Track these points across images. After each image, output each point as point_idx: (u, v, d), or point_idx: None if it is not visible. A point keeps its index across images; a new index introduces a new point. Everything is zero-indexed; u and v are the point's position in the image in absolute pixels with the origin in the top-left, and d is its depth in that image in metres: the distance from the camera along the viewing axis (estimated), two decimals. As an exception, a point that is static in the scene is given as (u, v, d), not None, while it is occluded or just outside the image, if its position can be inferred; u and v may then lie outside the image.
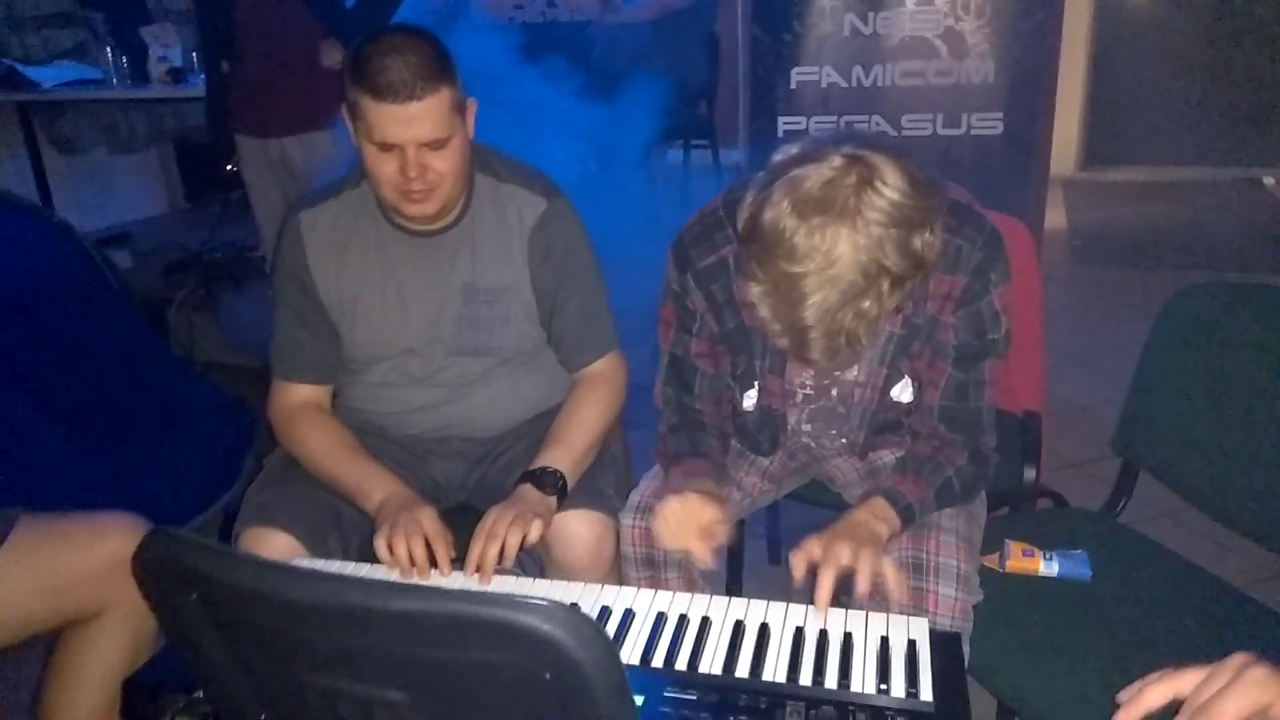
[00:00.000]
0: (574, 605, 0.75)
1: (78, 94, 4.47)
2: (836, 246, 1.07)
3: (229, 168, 3.44)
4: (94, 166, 5.34)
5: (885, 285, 1.09)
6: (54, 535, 1.43)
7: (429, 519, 1.37)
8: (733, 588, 1.97)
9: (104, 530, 1.44)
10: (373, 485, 1.48)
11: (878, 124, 3.01)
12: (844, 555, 1.18)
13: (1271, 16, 6.25)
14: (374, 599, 0.72)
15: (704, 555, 1.23)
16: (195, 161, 5.71)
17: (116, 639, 1.42)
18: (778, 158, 1.15)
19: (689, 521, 1.27)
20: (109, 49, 4.36)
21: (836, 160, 1.10)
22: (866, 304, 1.09)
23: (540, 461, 1.49)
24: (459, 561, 1.35)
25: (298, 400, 1.62)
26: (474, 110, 1.51)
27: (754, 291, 1.14)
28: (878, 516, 1.28)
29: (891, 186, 1.09)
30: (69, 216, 2.73)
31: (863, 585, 1.17)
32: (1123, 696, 0.82)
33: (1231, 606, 1.43)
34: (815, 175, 1.09)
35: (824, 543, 1.21)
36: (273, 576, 0.77)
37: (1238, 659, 0.78)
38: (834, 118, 3.04)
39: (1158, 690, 0.80)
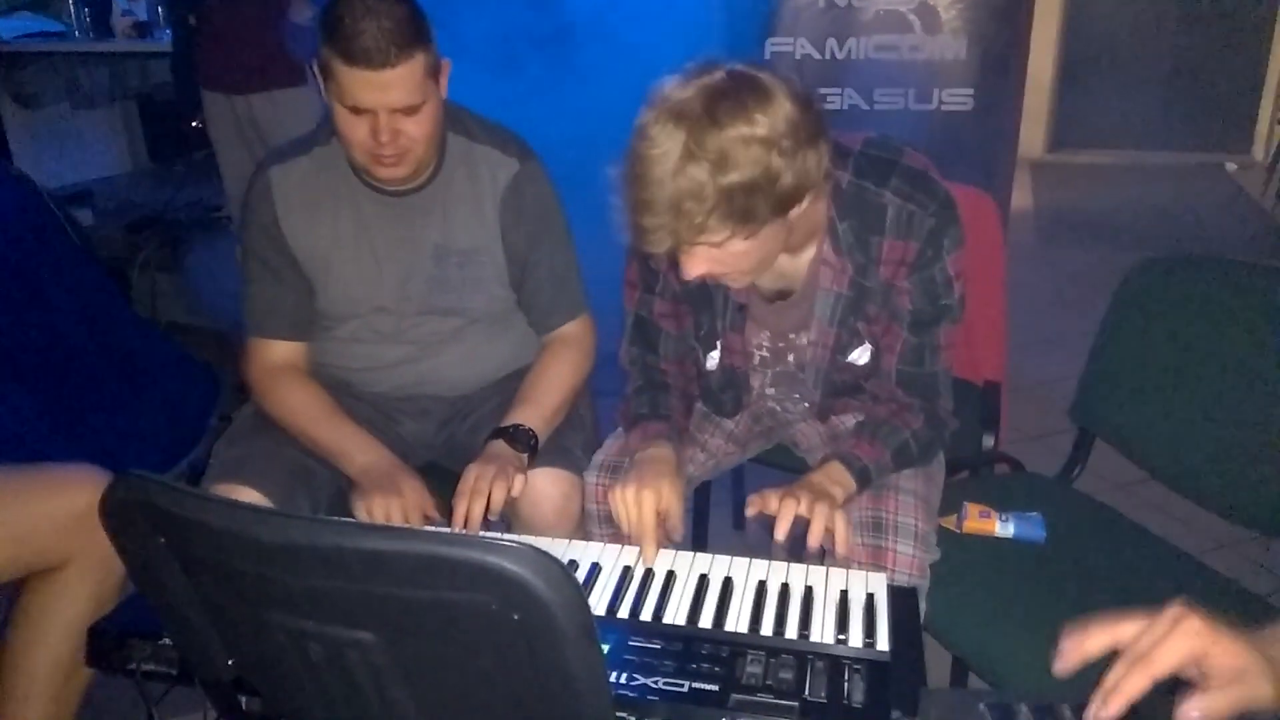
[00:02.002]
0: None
1: (38, 45, 4.37)
2: (670, 145, 1.10)
3: (194, 125, 3.38)
4: (55, 122, 5.22)
5: (712, 193, 1.11)
6: (16, 485, 1.42)
7: (410, 489, 1.39)
8: (697, 551, 2.00)
9: (67, 482, 1.43)
10: (355, 449, 1.48)
11: (850, 97, 3.01)
12: (801, 504, 1.22)
13: (1239, 6, 6.33)
14: (345, 538, 0.72)
15: (651, 554, 1.24)
16: (159, 119, 5.61)
17: (80, 589, 1.41)
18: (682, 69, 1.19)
19: (646, 499, 1.28)
20: (71, 1, 4.26)
21: (716, 74, 1.14)
22: (688, 205, 1.11)
23: (511, 419, 1.51)
24: (447, 519, 1.37)
25: (276, 360, 1.60)
26: (448, 71, 1.50)
27: (614, 172, 1.17)
28: (833, 479, 1.31)
29: (753, 106, 1.10)
30: (29, 173, 2.68)
31: (814, 538, 1.20)
32: (1064, 642, 0.85)
33: (1183, 570, 1.48)
34: (691, 83, 1.13)
35: (781, 495, 1.25)
36: (243, 517, 0.77)
37: (1174, 610, 0.80)
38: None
39: (1098, 639, 0.83)
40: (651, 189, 1.12)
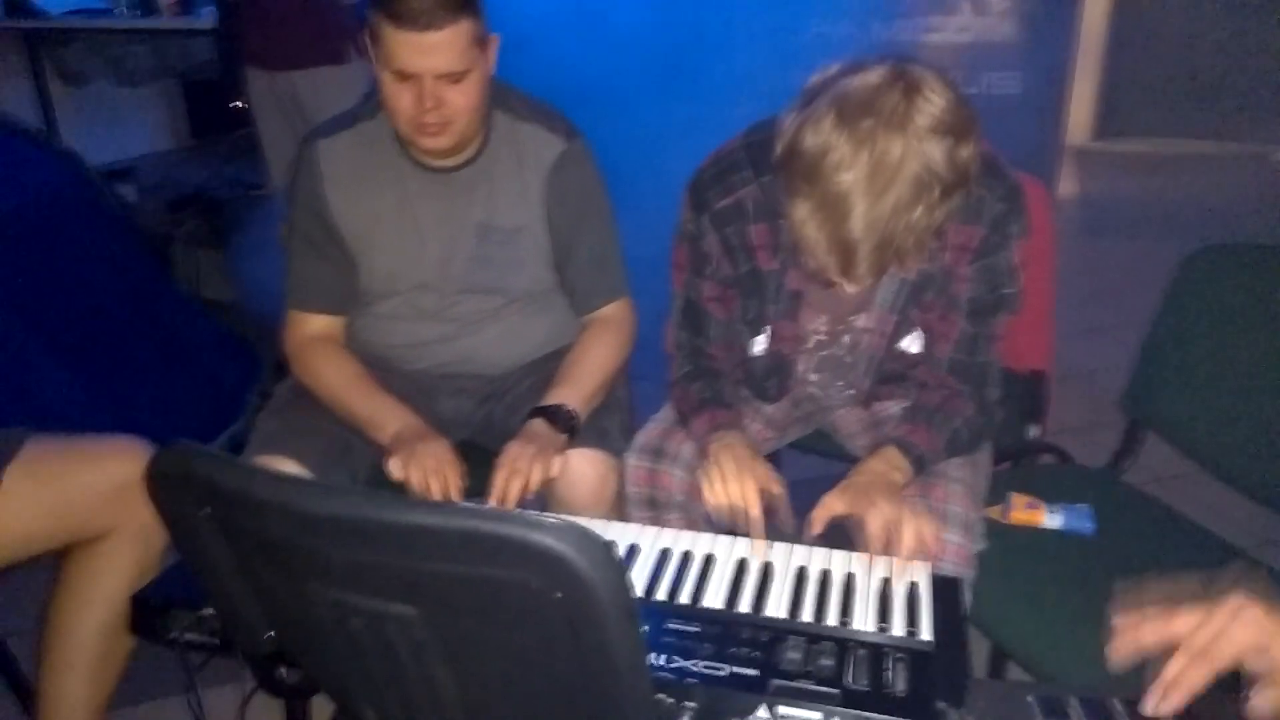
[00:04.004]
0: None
1: (84, 23, 4.42)
2: (887, 154, 1.05)
3: (238, 103, 3.40)
4: (100, 99, 5.28)
5: (935, 195, 1.07)
6: (61, 455, 1.44)
7: (443, 449, 1.39)
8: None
9: (111, 452, 1.45)
10: (387, 417, 1.49)
11: (894, 80, 2.97)
12: (885, 511, 1.16)
13: (1289, -7, 6.16)
14: (389, 512, 0.72)
15: (759, 521, 1.20)
16: (202, 97, 5.66)
17: (122, 558, 1.43)
18: (816, 78, 1.14)
19: (747, 482, 1.24)
20: (117, -23, 4.31)
21: (880, 71, 1.09)
22: (917, 214, 1.07)
23: (551, 399, 1.50)
24: (481, 496, 1.37)
25: (312, 332, 1.61)
26: (496, 46, 1.49)
27: (800, 210, 1.11)
28: (892, 465, 1.28)
29: (937, 95, 1.07)
30: (74, 149, 2.71)
31: (908, 551, 1.13)
32: (1118, 632, 0.82)
33: (1236, 566, 1.44)
34: (860, 85, 1.08)
35: (851, 497, 1.20)
36: (287, 489, 0.77)
37: (1234, 601, 0.78)
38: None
39: (1154, 632, 0.81)
40: (870, 205, 1.06)
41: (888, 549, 1.16)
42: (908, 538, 1.13)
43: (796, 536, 1.21)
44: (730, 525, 1.24)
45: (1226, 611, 0.77)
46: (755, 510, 1.22)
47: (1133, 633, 0.81)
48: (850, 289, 1.19)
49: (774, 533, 1.22)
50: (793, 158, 1.12)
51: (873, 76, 1.08)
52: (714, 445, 1.33)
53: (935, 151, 1.06)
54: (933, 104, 1.07)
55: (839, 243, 1.10)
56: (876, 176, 1.05)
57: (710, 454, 1.32)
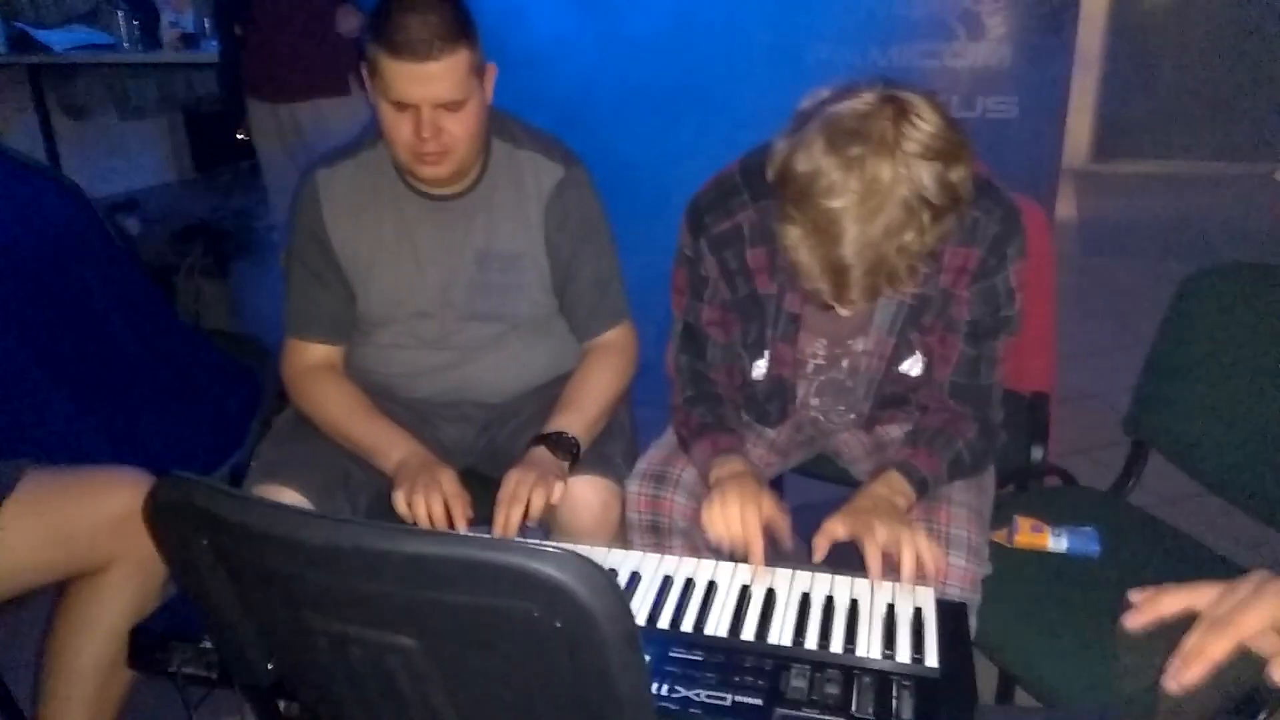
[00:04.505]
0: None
1: (88, 57, 4.46)
2: (876, 178, 1.05)
3: (239, 136, 3.43)
4: (103, 132, 5.33)
5: (926, 218, 1.07)
6: (61, 487, 1.44)
7: (448, 480, 1.39)
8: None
9: (111, 484, 1.44)
10: (390, 445, 1.49)
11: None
12: (881, 535, 1.15)
13: (1291, 10, 6.20)
14: (387, 542, 0.72)
15: (760, 553, 1.19)
16: (205, 130, 5.71)
17: (123, 591, 1.42)
18: (806, 103, 1.14)
19: (749, 512, 1.22)
20: (121, 13, 4.35)
21: (869, 96, 1.09)
22: (909, 237, 1.07)
23: (553, 426, 1.50)
24: (484, 524, 1.37)
25: (312, 360, 1.61)
26: (493, 75, 1.50)
27: (792, 235, 1.11)
28: (895, 489, 1.28)
29: (926, 119, 1.07)
30: (77, 182, 2.72)
31: (909, 573, 1.13)
32: (1134, 597, 0.81)
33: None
34: (849, 110, 1.08)
35: (852, 521, 1.19)
36: (286, 520, 0.77)
37: (1257, 574, 0.76)
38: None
39: (1173, 600, 0.79)
40: (862, 230, 1.06)
41: (888, 573, 1.15)
42: (907, 561, 1.13)
43: (800, 562, 1.21)
44: (730, 554, 1.23)
45: (1249, 584, 0.76)
46: (757, 545, 1.20)
47: (1151, 603, 0.80)
48: (845, 312, 1.19)
49: (778, 561, 1.21)
50: (784, 183, 1.12)
51: (862, 101, 1.09)
52: (716, 471, 1.32)
53: (925, 175, 1.07)
54: (922, 128, 1.07)
55: (831, 267, 1.10)
56: (867, 201, 1.06)
57: (712, 482, 1.31)
